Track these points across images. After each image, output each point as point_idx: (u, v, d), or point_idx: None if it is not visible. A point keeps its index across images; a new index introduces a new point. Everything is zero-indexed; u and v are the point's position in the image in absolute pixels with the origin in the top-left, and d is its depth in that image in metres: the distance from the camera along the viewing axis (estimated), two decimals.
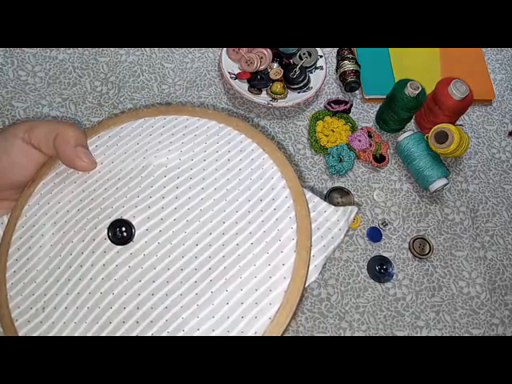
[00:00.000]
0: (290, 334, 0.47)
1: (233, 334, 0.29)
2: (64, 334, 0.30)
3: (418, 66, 0.63)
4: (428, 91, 0.56)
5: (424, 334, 0.48)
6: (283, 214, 0.33)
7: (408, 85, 0.53)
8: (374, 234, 0.53)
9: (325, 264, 0.34)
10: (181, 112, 0.38)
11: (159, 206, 0.34)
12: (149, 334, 0.29)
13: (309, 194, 0.36)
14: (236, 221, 0.33)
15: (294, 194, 0.34)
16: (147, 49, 0.61)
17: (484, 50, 0.67)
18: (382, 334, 0.48)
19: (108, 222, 0.33)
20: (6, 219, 0.36)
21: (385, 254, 0.52)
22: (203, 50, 0.62)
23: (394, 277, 0.51)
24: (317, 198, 0.36)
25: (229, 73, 0.58)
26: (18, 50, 0.58)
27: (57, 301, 0.32)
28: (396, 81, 0.57)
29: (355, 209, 0.36)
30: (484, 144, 0.60)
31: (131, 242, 0.32)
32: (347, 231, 0.42)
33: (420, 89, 0.53)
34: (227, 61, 0.59)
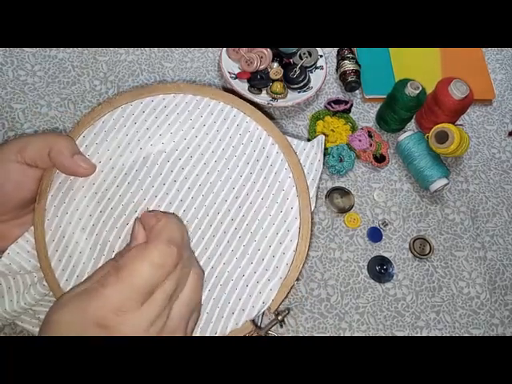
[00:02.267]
0: (290, 334, 0.47)
1: (270, 271, 0.36)
2: None
3: (418, 65, 0.63)
4: (428, 91, 0.56)
5: (424, 334, 0.48)
6: (279, 167, 0.39)
7: (408, 85, 0.53)
8: (375, 234, 0.52)
9: (317, 194, 0.42)
10: (155, 91, 0.40)
11: (175, 189, 0.37)
12: (206, 291, 0.35)
13: (289, 139, 0.41)
14: (243, 184, 0.38)
15: (283, 147, 0.39)
16: (147, 48, 0.61)
17: (484, 50, 0.67)
18: (382, 334, 0.48)
19: (136, 215, 0.36)
20: (28, 236, 0.37)
21: (385, 254, 0.52)
22: (203, 49, 0.62)
23: (395, 277, 0.51)
24: (295, 140, 0.41)
25: (229, 73, 0.58)
26: (17, 49, 0.58)
27: None
28: (396, 81, 0.57)
29: (323, 137, 0.43)
30: (484, 144, 0.60)
31: None
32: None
33: (420, 89, 0.53)
34: (227, 61, 0.59)
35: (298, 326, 0.47)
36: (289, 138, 0.41)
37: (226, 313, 0.35)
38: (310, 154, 0.41)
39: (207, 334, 0.35)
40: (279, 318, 0.36)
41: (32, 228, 0.37)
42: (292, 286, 0.36)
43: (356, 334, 0.47)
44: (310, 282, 0.49)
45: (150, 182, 0.37)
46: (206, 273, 0.36)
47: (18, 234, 0.37)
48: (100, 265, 0.35)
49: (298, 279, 0.37)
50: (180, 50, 0.61)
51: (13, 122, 0.54)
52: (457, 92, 0.53)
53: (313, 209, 0.38)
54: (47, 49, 0.58)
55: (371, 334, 0.48)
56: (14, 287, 0.37)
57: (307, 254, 0.37)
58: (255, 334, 0.35)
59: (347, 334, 0.47)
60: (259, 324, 0.36)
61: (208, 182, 0.38)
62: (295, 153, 0.39)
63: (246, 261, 0.36)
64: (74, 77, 0.57)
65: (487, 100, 0.63)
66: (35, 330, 0.38)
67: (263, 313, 0.36)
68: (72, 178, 0.37)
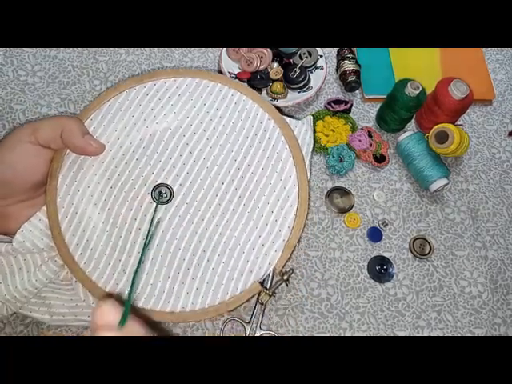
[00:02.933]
0: (289, 334, 0.47)
1: (273, 234, 0.40)
2: (151, 281, 0.37)
3: (418, 65, 0.63)
4: (428, 91, 0.56)
5: (426, 333, 0.48)
6: (276, 139, 0.43)
7: (408, 85, 0.53)
8: (374, 234, 0.52)
9: (310, 166, 0.47)
10: (155, 76, 0.43)
11: (181, 163, 0.40)
12: (216, 256, 0.39)
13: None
14: (244, 156, 0.41)
15: (278, 122, 0.43)
16: (147, 48, 0.61)
17: (484, 50, 0.67)
18: (382, 334, 0.48)
19: (146, 188, 0.39)
20: (41, 216, 0.38)
21: (385, 254, 0.52)
22: (203, 49, 0.62)
23: (395, 277, 0.51)
24: (287, 118, 0.45)
25: (229, 73, 0.58)
26: (17, 49, 0.58)
27: (132, 261, 0.38)
28: (396, 81, 0.57)
29: (310, 117, 0.48)
30: (484, 144, 0.60)
31: (173, 199, 0.40)
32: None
33: (420, 89, 0.53)
34: (227, 61, 0.59)
35: (297, 326, 0.47)
36: (283, 116, 0.44)
37: (235, 275, 0.38)
38: (302, 130, 0.45)
39: (219, 296, 0.38)
40: (284, 277, 0.39)
41: (44, 208, 0.39)
42: (295, 247, 0.40)
43: (357, 334, 0.47)
44: (310, 282, 0.49)
45: (157, 157, 0.40)
46: (214, 239, 0.39)
47: (29, 216, 0.38)
48: (113, 238, 0.38)
49: (299, 241, 0.41)
50: (180, 49, 0.61)
51: (13, 123, 0.53)
52: (457, 92, 0.53)
53: (308, 176, 0.42)
54: (47, 49, 0.58)
55: (372, 333, 0.48)
56: (24, 267, 0.38)
57: (307, 217, 0.41)
58: (263, 294, 0.38)
59: (348, 333, 0.47)
60: (267, 283, 0.39)
61: (211, 155, 0.41)
62: (289, 126, 0.43)
63: (251, 226, 0.40)
64: (74, 77, 0.57)
65: (487, 100, 0.63)
66: (45, 318, 0.38)
67: (269, 274, 0.39)
68: (82, 157, 0.39)
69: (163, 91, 0.42)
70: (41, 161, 0.38)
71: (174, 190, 0.40)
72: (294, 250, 0.40)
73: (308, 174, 0.42)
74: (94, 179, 0.39)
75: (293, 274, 0.46)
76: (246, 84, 0.58)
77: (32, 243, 0.37)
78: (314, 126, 0.57)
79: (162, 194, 0.39)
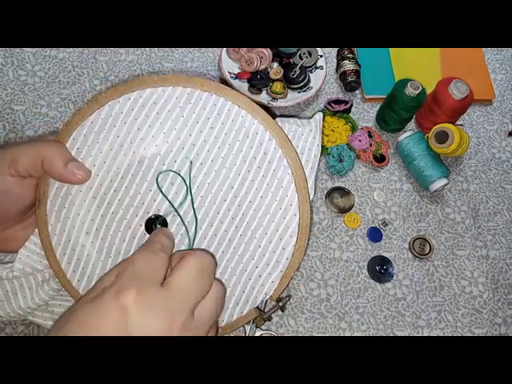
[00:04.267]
0: (289, 334, 0.46)
1: (271, 265, 0.37)
2: None
3: (418, 65, 0.63)
4: (428, 91, 0.56)
5: (425, 333, 0.48)
6: (277, 164, 0.38)
7: (408, 85, 0.53)
8: (374, 234, 0.52)
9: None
10: (141, 85, 0.37)
11: (173, 192, 0.37)
12: None
13: (286, 124, 0.40)
14: (241, 182, 0.38)
15: (280, 142, 0.38)
16: (147, 48, 0.61)
17: (484, 49, 0.67)
18: (382, 334, 0.48)
19: (138, 219, 0.37)
20: (35, 239, 0.38)
21: (385, 254, 0.52)
22: (203, 49, 0.62)
23: (395, 277, 0.50)
24: (293, 126, 0.40)
25: (229, 73, 0.58)
26: (17, 49, 0.58)
27: None
28: (396, 81, 0.57)
29: (321, 114, 0.41)
30: (484, 144, 0.60)
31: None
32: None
33: (420, 89, 0.53)
34: (227, 61, 0.59)
35: (297, 326, 0.47)
36: (285, 121, 0.40)
37: (231, 304, 0.37)
38: (308, 139, 0.40)
39: None
40: (280, 304, 0.38)
41: (37, 230, 0.37)
42: (292, 276, 0.38)
43: (356, 334, 0.47)
44: (310, 282, 0.49)
45: (147, 185, 0.37)
46: None
47: (22, 236, 0.38)
48: (108, 267, 0.36)
49: (297, 269, 0.38)
50: (180, 49, 0.61)
51: (14, 124, 0.53)
52: (457, 92, 0.53)
53: (312, 197, 0.38)
54: (47, 49, 0.58)
55: (371, 333, 0.48)
56: (25, 284, 0.37)
57: (306, 248, 0.38)
58: (259, 318, 0.37)
59: (347, 333, 0.47)
60: (262, 309, 0.38)
61: (205, 182, 0.37)
62: (293, 146, 0.38)
63: (247, 257, 0.37)
64: (74, 77, 0.57)
65: (487, 100, 0.63)
66: (48, 324, 0.38)
67: (265, 301, 0.38)
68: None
69: (150, 105, 0.37)
70: (24, 190, 0.36)
71: (168, 220, 0.37)
72: (291, 279, 0.38)
73: (312, 194, 0.38)
74: (84, 206, 0.37)
75: (290, 300, 0.46)
76: (246, 92, 0.57)
77: (32, 267, 0.37)
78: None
79: (156, 226, 0.37)
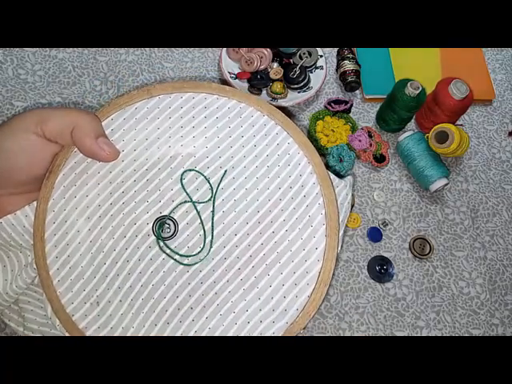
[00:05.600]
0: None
1: (277, 312, 0.32)
2: (123, 325, 0.32)
3: (418, 65, 0.63)
4: (428, 91, 0.56)
5: (424, 334, 0.48)
6: (313, 200, 0.35)
7: (408, 85, 0.53)
8: (374, 234, 0.52)
9: (343, 237, 0.37)
10: (197, 89, 0.36)
11: (195, 198, 0.34)
12: (203, 318, 0.32)
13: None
14: (270, 209, 0.34)
15: (321, 179, 0.35)
16: (147, 48, 0.61)
17: (484, 49, 0.67)
18: (381, 334, 0.48)
19: (147, 216, 0.34)
20: (28, 211, 0.34)
21: (385, 254, 0.52)
22: (203, 49, 0.62)
23: (395, 277, 0.51)
24: (331, 175, 0.37)
25: (229, 73, 0.58)
26: (17, 48, 0.58)
27: (110, 295, 0.32)
28: (396, 81, 0.57)
29: (351, 179, 0.40)
30: (484, 144, 0.60)
31: (175, 236, 0.34)
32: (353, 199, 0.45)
33: (420, 89, 0.53)
34: (227, 61, 0.59)
35: None
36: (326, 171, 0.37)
37: None
38: (341, 193, 0.37)
39: None
40: None
41: (35, 203, 0.34)
42: (297, 334, 0.32)
43: (356, 334, 0.47)
44: None
45: (169, 184, 0.34)
46: (207, 298, 0.32)
47: (18, 209, 0.34)
48: (96, 263, 0.33)
49: (304, 328, 0.32)
50: (180, 49, 0.61)
51: None
52: (457, 92, 0.53)
53: (338, 251, 0.34)
54: (47, 48, 0.59)
55: (371, 334, 0.48)
56: (8, 266, 0.34)
57: (320, 305, 0.33)
58: None
59: (347, 334, 0.47)
60: None
61: (232, 198, 0.34)
62: (333, 187, 0.35)
63: (253, 295, 0.32)
64: (74, 77, 0.57)
65: (487, 100, 0.63)
66: (19, 330, 0.35)
67: None
68: (89, 160, 0.34)
69: (200, 108, 0.36)
70: (44, 156, 0.33)
71: (180, 227, 0.34)
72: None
73: (339, 248, 0.34)
74: (96, 189, 0.34)
75: None
76: (246, 92, 0.57)
77: (9, 235, 0.33)
78: (315, 126, 0.57)
79: (164, 228, 0.34)
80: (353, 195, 0.54)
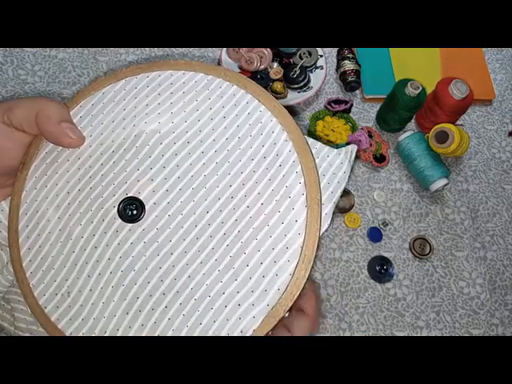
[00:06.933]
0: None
1: (256, 294, 0.29)
2: (94, 315, 0.31)
3: (418, 65, 0.63)
4: (428, 91, 0.56)
5: (424, 334, 0.48)
6: (289, 169, 0.32)
7: (408, 84, 0.53)
8: (375, 234, 0.52)
9: (334, 211, 0.34)
10: (163, 67, 0.35)
11: (162, 177, 0.33)
12: (177, 304, 0.30)
13: (310, 140, 0.34)
14: (242, 182, 0.32)
15: (298, 146, 0.33)
16: (146, 48, 0.61)
17: (484, 49, 0.67)
18: (381, 334, 0.48)
19: (114, 199, 0.32)
20: (4, 205, 0.34)
21: (385, 254, 0.52)
22: (203, 49, 0.62)
23: (395, 277, 0.51)
24: (318, 144, 0.35)
25: None
26: (17, 49, 0.58)
27: (80, 284, 0.31)
28: (396, 80, 0.57)
29: (355, 147, 0.36)
30: (484, 144, 0.60)
31: (142, 218, 0.32)
32: (351, 172, 0.40)
33: (420, 88, 0.53)
34: (227, 61, 0.59)
35: None
36: (311, 140, 0.35)
37: (195, 334, 0.30)
38: (335, 162, 0.34)
39: None
40: None
41: (10, 197, 0.34)
42: (281, 318, 0.29)
43: (356, 334, 0.47)
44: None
45: (136, 164, 0.33)
46: (180, 282, 0.31)
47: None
48: (66, 251, 0.32)
49: (289, 310, 0.28)
50: (180, 49, 0.61)
51: None
52: (457, 92, 0.53)
53: (326, 227, 0.31)
54: (47, 49, 0.59)
55: (371, 334, 0.48)
56: None
57: (305, 285, 0.29)
58: None
59: (347, 334, 0.47)
60: None
61: (202, 174, 0.32)
62: (312, 156, 0.32)
63: (229, 275, 0.30)
64: (74, 77, 0.57)
65: (487, 100, 0.63)
66: (10, 330, 0.35)
67: None
68: (60, 149, 0.34)
69: (166, 85, 0.34)
70: (13, 144, 0.33)
71: (146, 208, 0.32)
72: (280, 320, 0.29)
73: (327, 223, 0.31)
74: (65, 177, 0.33)
75: None
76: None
77: None
78: (315, 126, 0.57)
79: (127, 211, 0.32)
80: (353, 195, 0.54)
